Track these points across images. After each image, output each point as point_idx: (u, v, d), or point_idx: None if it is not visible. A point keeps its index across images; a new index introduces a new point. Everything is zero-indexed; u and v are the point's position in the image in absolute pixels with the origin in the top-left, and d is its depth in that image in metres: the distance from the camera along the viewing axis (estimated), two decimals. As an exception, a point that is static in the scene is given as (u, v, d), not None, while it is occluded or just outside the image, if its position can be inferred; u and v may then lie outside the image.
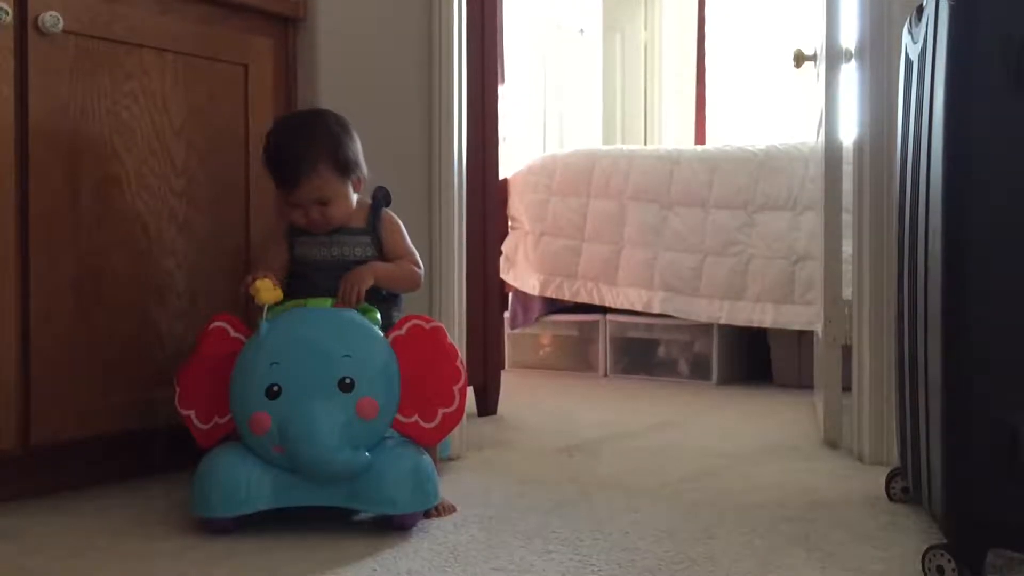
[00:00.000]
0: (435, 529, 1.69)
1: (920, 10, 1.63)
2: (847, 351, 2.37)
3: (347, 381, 1.64)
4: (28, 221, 1.79)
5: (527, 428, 2.70)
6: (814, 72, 2.76)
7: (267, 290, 1.72)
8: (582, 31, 5.23)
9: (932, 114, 1.49)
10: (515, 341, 4.04)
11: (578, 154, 4.02)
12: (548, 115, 4.99)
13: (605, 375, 3.83)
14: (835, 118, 2.47)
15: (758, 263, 3.45)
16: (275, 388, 1.64)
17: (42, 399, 1.81)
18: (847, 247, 2.39)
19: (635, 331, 3.81)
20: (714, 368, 3.61)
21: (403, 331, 1.74)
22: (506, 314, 3.93)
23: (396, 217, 1.91)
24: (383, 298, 1.84)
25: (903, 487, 1.86)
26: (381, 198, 1.89)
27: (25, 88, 1.78)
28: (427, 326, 1.75)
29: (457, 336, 2.30)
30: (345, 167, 1.80)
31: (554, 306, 3.99)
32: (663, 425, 2.78)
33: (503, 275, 3.87)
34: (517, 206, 4.03)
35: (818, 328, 2.75)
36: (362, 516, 1.76)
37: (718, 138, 5.17)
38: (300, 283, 1.82)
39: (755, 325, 3.46)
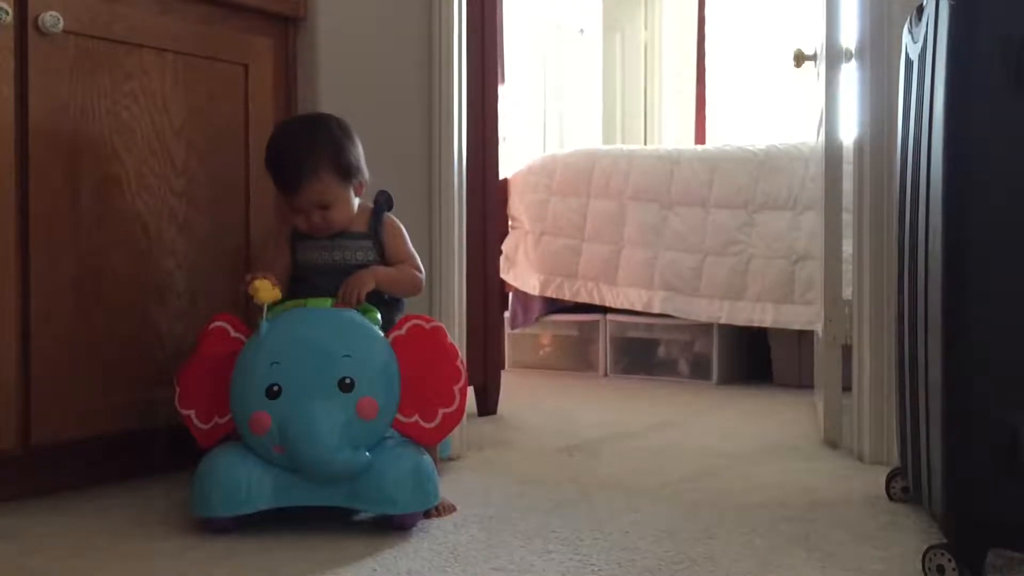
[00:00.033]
0: (435, 529, 1.69)
1: (920, 10, 1.63)
2: (847, 351, 2.37)
3: (347, 381, 1.64)
4: (28, 221, 1.79)
5: (527, 428, 2.70)
6: (814, 72, 2.76)
7: (266, 290, 1.72)
8: (582, 31, 5.22)
9: (932, 114, 1.49)
10: (515, 341, 4.04)
11: (578, 154, 4.02)
12: (548, 115, 4.99)
13: (605, 375, 3.83)
14: (835, 118, 2.47)
15: (758, 263, 3.45)
16: (275, 388, 1.64)
17: (42, 399, 1.81)
18: (847, 247, 2.39)
19: (635, 331, 3.81)
20: (714, 368, 3.61)
21: (403, 331, 1.74)
22: (506, 314, 3.93)
23: (398, 221, 1.91)
24: (385, 302, 1.84)
25: (903, 487, 1.86)
26: (383, 202, 1.89)
27: (25, 88, 1.78)
28: (427, 326, 1.75)
29: (457, 336, 2.30)
30: (347, 171, 1.81)
31: (554, 306, 3.99)
32: (663, 425, 2.78)
33: (503, 275, 3.87)
34: (517, 206, 4.03)
35: (818, 328, 2.75)
36: (362, 516, 1.76)
37: (718, 138, 5.17)
38: (302, 287, 1.82)
39: (755, 325, 3.46)
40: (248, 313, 1.93)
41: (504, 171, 3.76)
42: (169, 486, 1.95)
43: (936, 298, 1.45)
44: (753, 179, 3.51)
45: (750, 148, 3.63)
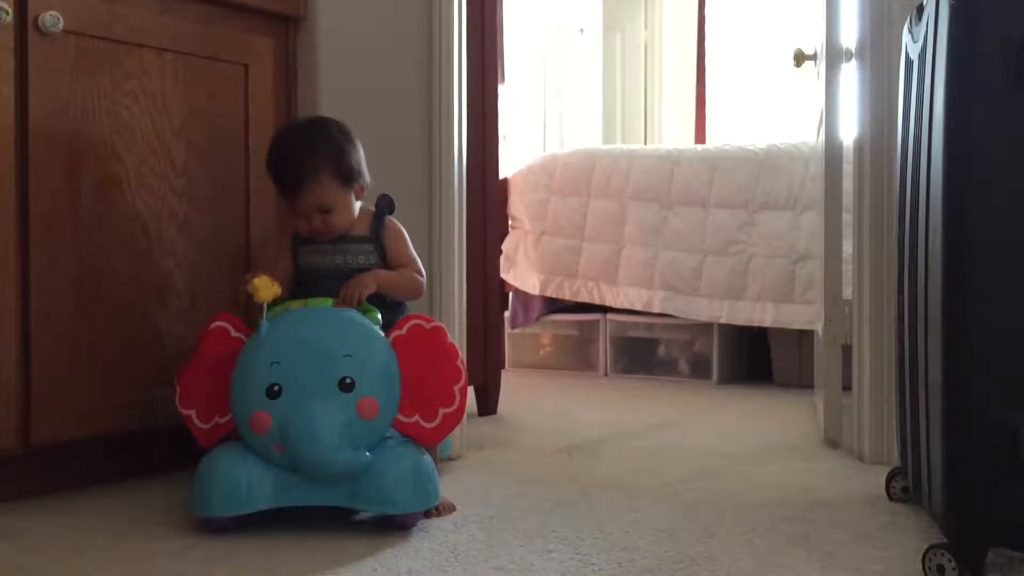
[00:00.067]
0: (435, 529, 1.69)
1: (920, 9, 1.63)
2: (847, 351, 2.37)
3: (348, 381, 1.64)
4: (28, 221, 1.79)
5: (527, 428, 2.70)
6: (814, 71, 2.76)
7: (265, 287, 1.72)
8: (582, 31, 5.22)
9: (932, 114, 1.49)
10: (515, 341, 4.04)
11: (578, 153, 4.02)
12: (548, 115, 4.99)
13: (605, 375, 3.83)
14: (835, 117, 2.47)
15: (758, 262, 3.45)
16: (276, 388, 1.64)
17: (42, 399, 1.81)
18: (847, 247, 2.39)
19: (635, 330, 3.81)
20: (714, 368, 3.61)
21: (404, 331, 1.74)
22: (506, 314, 3.93)
23: (399, 225, 1.91)
24: (388, 305, 1.84)
25: (903, 487, 1.86)
26: (384, 206, 1.89)
27: (25, 88, 1.78)
28: (427, 326, 1.76)
29: (457, 336, 2.30)
30: (347, 175, 1.81)
31: (554, 306, 3.99)
32: (663, 425, 2.78)
33: (503, 275, 3.87)
34: (517, 206, 4.03)
35: (818, 328, 2.75)
36: (362, 516, 1.76)
37: (718, 137, 5.16)
38: (304, 291, 1.82)
39: (755, 324, 3.46)
40: (248, 313, 1.93)
41: (504, 171, 3.76)
42: (169, 486, 1.95)
43: (936, 298, 1.45)
44: (753, 179, 3.51)
45: (750, 148, 3.63)
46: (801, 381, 3.41)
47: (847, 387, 2.37)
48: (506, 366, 3.55)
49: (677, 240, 3.62)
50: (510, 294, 4.03)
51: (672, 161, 3.71)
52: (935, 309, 1.46)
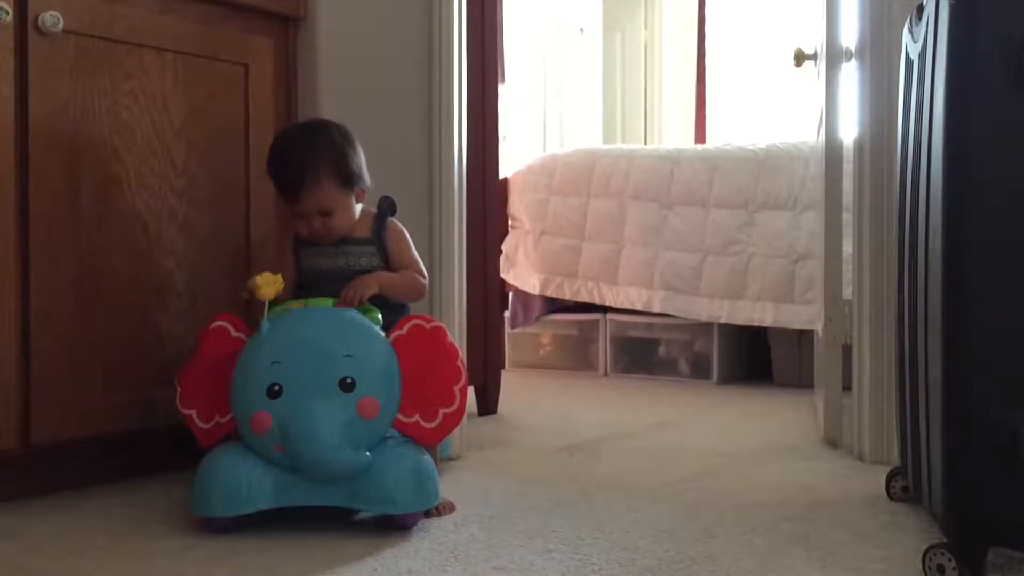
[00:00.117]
0: (435, 528, 1.69)
1: (920, 9, 1.63)
2: (847, 350, 2.38)
3: (348, 381, 1.64)
4: (28, 221, 1.79)
5: (527, 428, 2.70)
6: (814, 71, 2.76)
7: (267, 284, 1.72)
8: (582, 30, 5.22)
9: (932, 114, 1.49)
10: (515, 341, 4.04)
11: (578, 153, 4.02)
12: (548, 115, 4.99)
13: (605, 374, 3.83)
14: (835, 117, 2.47)
15: (758, 262, 3.45)
16: (276, 387, 1.64)
17: (42, 399, 1.81)
18: (847, 246, 2.39)
19: (635, 330, 3.81)
20: (714, 367, 3.61)
21: (404, 331, 1.74)
22: (506, 313, 3.93)
23: (401, 227, 1.91)
24: (391, 307, 1.84)
25: (903, 486, 1.86)
26: (386, 208, 1.89)
27: (25, 88, 1.78)
28: (428, 326, 1.76)
29: (457, 336, 2.30)
30: (348, 178, 1.81)
31: (554, 305, 3.99)
32: (663, 424, 2.78)
33: (503, 274, 3.87)
34: (517, 205, 4.03)
35: (818, 327, 2.75)
36: (363, 516, 1.76)
37: (718, 137, 5.17)
38: (306, 294, 1.82)
39: (755, 324, 3.46)
40: (249, 313, 1.93)
41: (504, 171, 3.76)
42: (169, 486, 1.95)
43: (936, 298, 1.45)
44: (753, 178, 3.51)
45: (750, 148, 3.63)
46: (801, 381, 3.41)
47: (847, 387, 2.37)
48: (506, 366, 3.55)
49: (677, 240, 3.62)
50: (510, 294, 4.03)
51: (672, 161, 3.71)
52: (935, 309, 1.46)
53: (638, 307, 3.70)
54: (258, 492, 1.64)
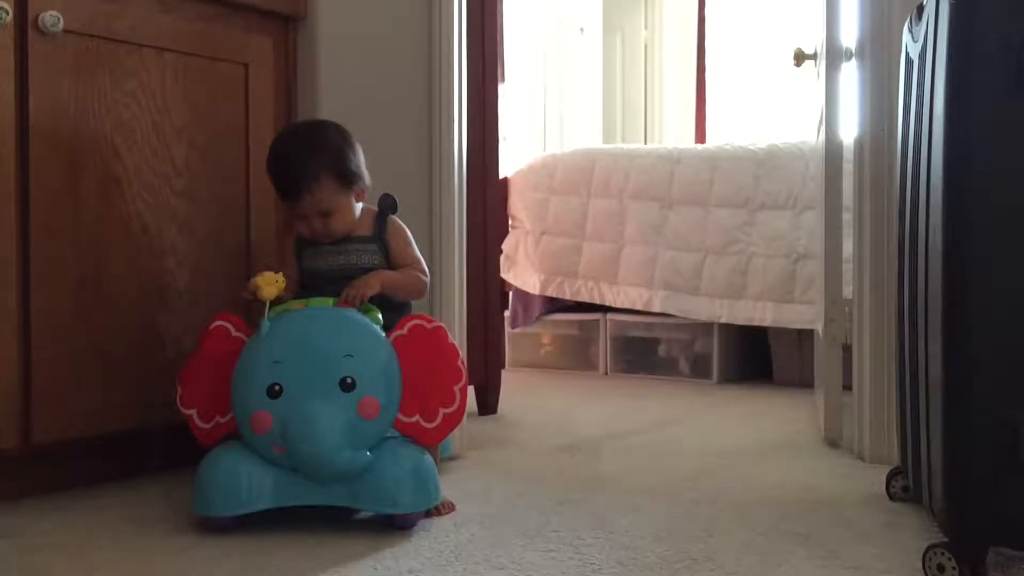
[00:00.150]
0: (436, 528, 1.69)
1: (920, 9, 1.63)
2: (847, 350, 2.38)
3: (348, 381, 1.64)
4: (28, 221, 1.79)
5: (528, 427, 2.70)
6: (814, 71, 2.76)
7: (268, 284, 1.72)
8: (582, 30, 5.22)
9: (932, 114, 1.49)
10: (516, 340, 4.04)
11: (578, 153, 4.02)
12: (548, 114, 4.99)
13: (606, 374, 3.83)
14: (835, 117, 2.46)
15: (759, 262, 3.45)
16: (276, 387, 1.64)
17: (42, 399, 1.81)
18: (847, 246, 2.39)
19: (636, 330, 3.81)
20: (715, 367, 3.61)
21: (404, 331, 1.74)
22: (506, 313, 3.93)
23: (403, 224, 1.91)
24: (393, 306, 1.84)
25: (903, 486, 1.86)
26: (387, 206, 1.89)
27: (25, 88, 1.78)
28: (428, 326, 1.76)
29: (458, 335, 2.30)
30: (347, 178, 1.81)
31: (554, 305, 3.99)
32: (663, 424, 2.78)
33: (504, 274, 3.88)
34: (517, 205, 4.03)
35: (818, 327, 2.75)
36: (363, 515, 1.76)
37: (718, 137, 5.17)
38: (309, 293, 1.81)
39: (755, 324, 3.46)
40: (249, 313, 1.93)
41: (504, 171, 3.76)
42: (169, 486, 1.95)
43: (936, 297, 1.45)
44: (753, 178, 3.51)
45: (750, 147, 3.63)
46: (802, 380, 3.41)
47: (847, 386, 2.37)
48: (506, 366, 3.55)
49: (677, 239, 3.62)
50: (510, 294, 4.03)
51: (672, 160, 3.71)
52: (935, 309, 1.46)
53: (638, 307, 3.70)
54: (258, 492, 1.64)
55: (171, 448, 2.03)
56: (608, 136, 5.47)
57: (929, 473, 1.54)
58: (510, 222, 4.06)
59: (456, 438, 2.22)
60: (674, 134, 5.53)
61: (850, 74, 2.35)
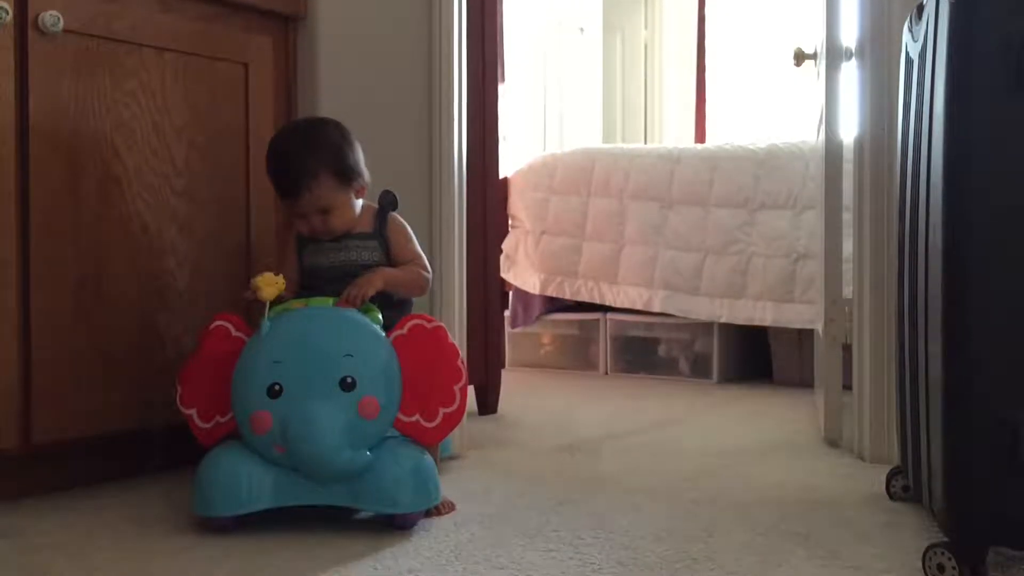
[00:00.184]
0: (436, 528, 1.69)
1: (920, 8, 1.63)
2: (847, 350, 2.38)
3: (348, 380, 1.64)
4: (28, 221, 1.79)
5: (528, 427, 2.70)
6: (814, 70, 2.76)
7: (268, 284, 1.72)
8: (582, 30, 5.22)
9: (932, 113, 1.49)
10: (516, 340, 4.04)
11: (578, 153, 4.02)
12: (548, 114, 4.99)
13: (606, 374, 3.83)
14: (835, 116, 2.46)
15: (759, 262, 3.45)
16: (276, 387, 1.64)
17: (42, 398, 1.81)
18: (847, 246, 2.39)
19: (636, 330, 3.81)
20: (715, 367, 3.61)
21: (404, 330, 1.74)
22: (506, 313, 3.93)
23: (403, 221, 1.91)
24: (395, 304, 1.84)
25: (903, 485, 1.86)
26: (388, 202, 1.89)
27: (25, 88, 1.78)
28: (428, 326, 1.76)
29: (458, 335, 2.30)
30: (346, 176, 1.81)
31: (554, 305, 3.99)
32: (664, 423, 2.78)
33: (504, 274, 3.88)
34: (517, 205, 4.03)
35: (818, 327, 2.75)
36: (363, 515, 1.76)
37: (718, 137, 5.17)
38: (310, 292, 1.81)
39: (755, 324, 3.46)
40: (249, 313, 1.93)
41: (504, 170, 3.76)
42: (169, 486, 1.95)
43: (936, 297, 1.45)
44: (754, 178, 3.51)
45: (750, 147, 3.63)
46: (802, 380, 3.41)
47: (847, 386, 2.37)
48: (506, 365, 3.55)
49: (677, 239, 3.62)
50: (510, 293, 4.03)
51: (672, 160, 3.71)
52: (935, 308, 1.46)
53: (638, 306, 3.70)
54: (258, 492, 1.64)
55: (171, 448, 2.03)
56: (608, 136, 5.47)
57: (929, 473, 1.54)
58: (510, 222, 4.06)
59: (456, 438, 2.22)
60: (674, 134, 5.52)
61: (850, 74, 2.35)
